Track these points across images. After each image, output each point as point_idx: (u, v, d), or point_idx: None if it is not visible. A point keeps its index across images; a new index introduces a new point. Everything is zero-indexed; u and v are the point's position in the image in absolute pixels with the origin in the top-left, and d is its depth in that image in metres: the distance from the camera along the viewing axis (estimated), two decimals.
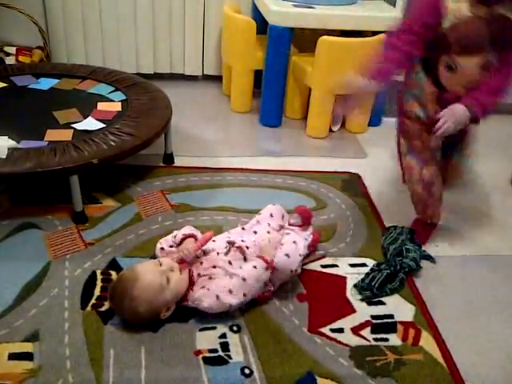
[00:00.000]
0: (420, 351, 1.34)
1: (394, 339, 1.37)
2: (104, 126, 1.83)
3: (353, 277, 1.57)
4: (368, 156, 2.35)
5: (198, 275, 1.39)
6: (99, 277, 1.48)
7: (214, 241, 1.48)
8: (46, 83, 2.14)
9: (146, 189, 1.92)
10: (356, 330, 1.39)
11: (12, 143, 1.66)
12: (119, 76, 2.23)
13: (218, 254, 1.43)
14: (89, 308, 1.37)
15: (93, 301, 1.39)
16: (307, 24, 2.32)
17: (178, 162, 2.12)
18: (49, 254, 1.55)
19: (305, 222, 1.64)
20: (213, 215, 1.80)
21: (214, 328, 1.35)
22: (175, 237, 1.50)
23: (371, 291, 1.50)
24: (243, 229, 1.57)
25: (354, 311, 1.45)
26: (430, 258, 1.69)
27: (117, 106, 1.99)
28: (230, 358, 1.27)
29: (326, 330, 1.38)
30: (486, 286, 1.60)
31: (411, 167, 1.66)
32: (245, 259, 1.43)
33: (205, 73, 2.97)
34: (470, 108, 1.42)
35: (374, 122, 2.62)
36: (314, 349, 1.32)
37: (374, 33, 2.36)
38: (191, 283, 1.37)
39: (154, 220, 1.75)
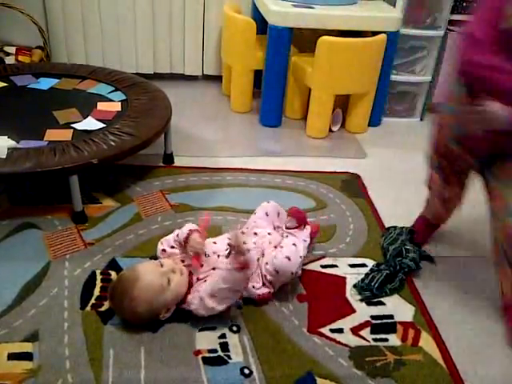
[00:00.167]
0: (419, 351, 1.34)
1: (394, 339, 1.37)
2: (104, 125, 1.83)
3: (352, 277, 1.57)
4: (368, 156, 2.35)
5: (197, 279, 1.38)
6: (99, 277, 1.48)
7: (214, 243, 1.48)
8: (45, 83, 2.14)
9: (146, 189, 1.92)
10: (356, 331, 1.39)
11: (12, 143, 1.66)
12: (119, 76, 2.23)
13: (218, 256, 1.42)
14: (88, 308, 1.37)
15: (92, 301, 1.39)
16: (307, 24, 2.32)
17: (177, 161, 2.12)
18: (48, 254, 1.55)
19: (300, 222, 1.61)
20: (212, 215, 1.80)
21: (214, 328, 1.35)
22: (178, 236, 1.47)
23: (371, 291, 1.50)
24: (243, 233, 1.55)
25: (353, 311, 1.45)
26: (429, 258, 1.69)
27: (117, 106, 1.99)
28: (230, 358, 1.27)
29: (325, 330, 1.38)
30: (485, 287, 1.60)
31: (435, 181, 1.63)
32: None
33: (205, 73, 2.97)
34: None
35: (374, 122, 2.62)
36: (313, 349, 1.32)
37: (374, 33, 2.36)
38: (190, 286, 1.37)
39: (154, 220, 1.75)
